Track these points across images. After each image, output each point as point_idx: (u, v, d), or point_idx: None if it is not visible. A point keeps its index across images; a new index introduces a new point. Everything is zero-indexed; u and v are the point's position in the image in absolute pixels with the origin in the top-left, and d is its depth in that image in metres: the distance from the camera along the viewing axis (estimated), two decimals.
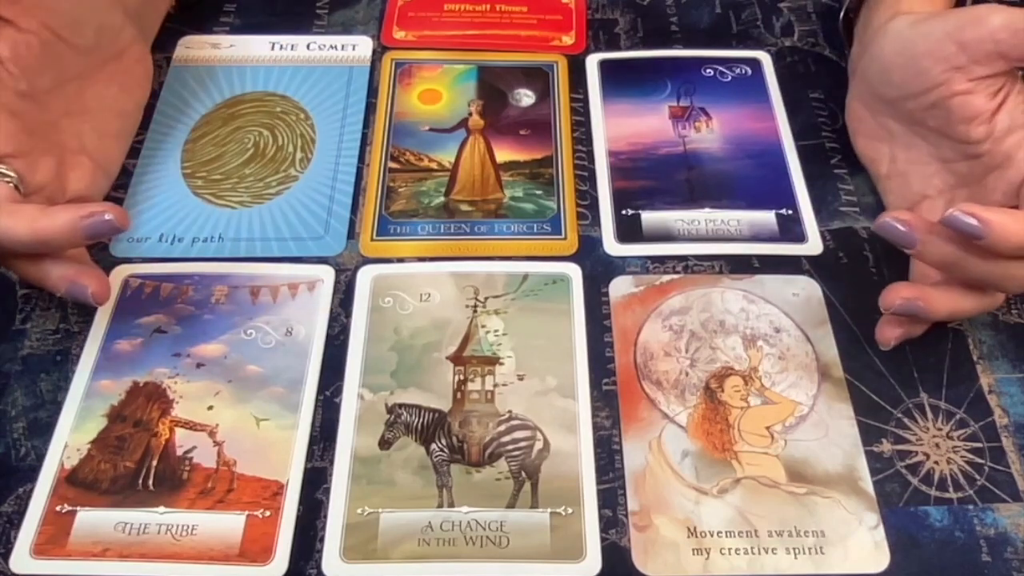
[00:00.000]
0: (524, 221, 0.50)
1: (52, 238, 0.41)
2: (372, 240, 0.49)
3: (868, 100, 0.49)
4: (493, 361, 0.45)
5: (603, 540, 0.39)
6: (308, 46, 0.59)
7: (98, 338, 0.45)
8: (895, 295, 0.42)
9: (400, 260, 0.49)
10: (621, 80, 0.57)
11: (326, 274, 0.48)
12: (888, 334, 0.44)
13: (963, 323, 0.46)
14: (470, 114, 0.55)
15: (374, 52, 0.58)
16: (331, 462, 0.42)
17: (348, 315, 0.46)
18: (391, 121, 0.55)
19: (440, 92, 0.56)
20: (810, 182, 0.51)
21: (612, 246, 0.49)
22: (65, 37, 0.46)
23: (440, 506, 0.40)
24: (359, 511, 0.40)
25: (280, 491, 0.41)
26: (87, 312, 0.46)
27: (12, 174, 0.43)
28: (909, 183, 0.48)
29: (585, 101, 0.56)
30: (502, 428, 0.43)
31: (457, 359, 0.45)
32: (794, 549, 0.39)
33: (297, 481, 0.41)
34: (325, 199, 0.51)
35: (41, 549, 0.39)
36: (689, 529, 0.40)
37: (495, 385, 0.44)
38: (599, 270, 0.48)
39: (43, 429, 0.42)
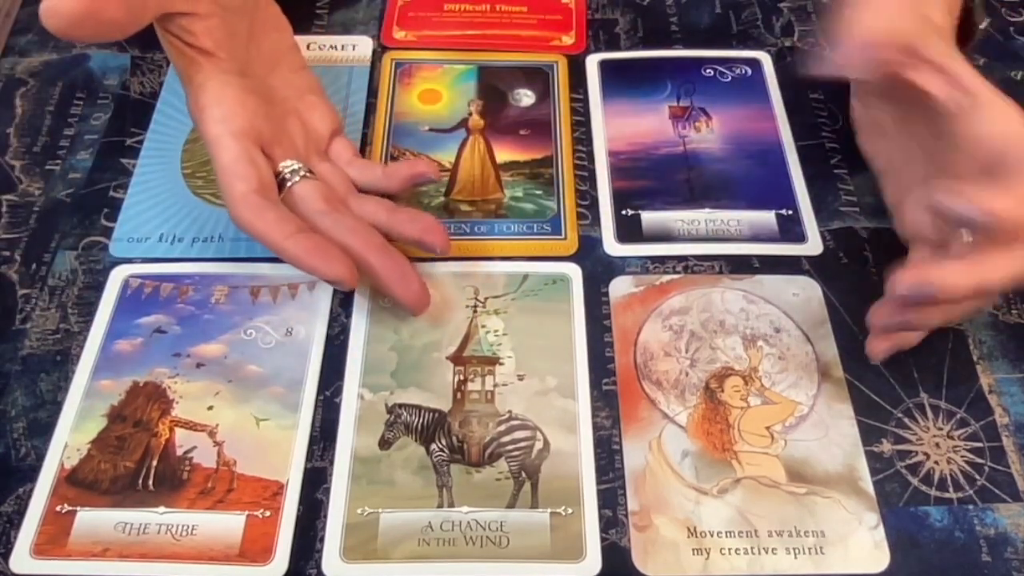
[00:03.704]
0: (524, 221, 0.50)
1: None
2: None
3: (863, 96, 0.49)
4: (493, 361, 0.45)
5: (603, 540, 0.39)
6: (308, 46, 0.58)
7: (98, 338, 0.45)
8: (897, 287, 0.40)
9: None
10: (621, 80, 0.57)
11: None
12: (877, 347, 0.44)
13: (963, 323, 0.46)
14: (470, 114, 0.55)
15: (374, 52, 0.58)
16: (331, 462, 0.42)
17: (348, 315, 0.46)
18: (391, 121, 0.55)
19: (440, 92, 0.56)
20: (810, 182, 0.51)
21: (612, 246, 0.49)
22: (225, 5, 0.45)
23: (440, 506, 0.40)
24: (359, 511, 0.40)
25: (280, 491, 0.41)
26: (87, 312, 0.46)
27: (295, 163, 0.44)
28: (901, 178, 0.48)
29: (585, 101, 0.56)
30: (502, 428, 0.43)
31: (457, 359, 0.45)
32: (794, 549, 0.39)
33: (297, 481, 0.41)
34: None
35: (41, 549, 0.39)
36: (689, 529, 0.40)
37: (495, 385, 0.44)
38: (599, 270, 0.48)
39: (43, 429, 0.42)
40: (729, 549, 0.39)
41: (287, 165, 0.44)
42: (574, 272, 0.48)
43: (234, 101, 0.43)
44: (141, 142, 0.53)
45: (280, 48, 0.49)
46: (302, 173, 0.44)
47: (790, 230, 0.50)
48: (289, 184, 0.44)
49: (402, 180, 0.48)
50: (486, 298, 0.47)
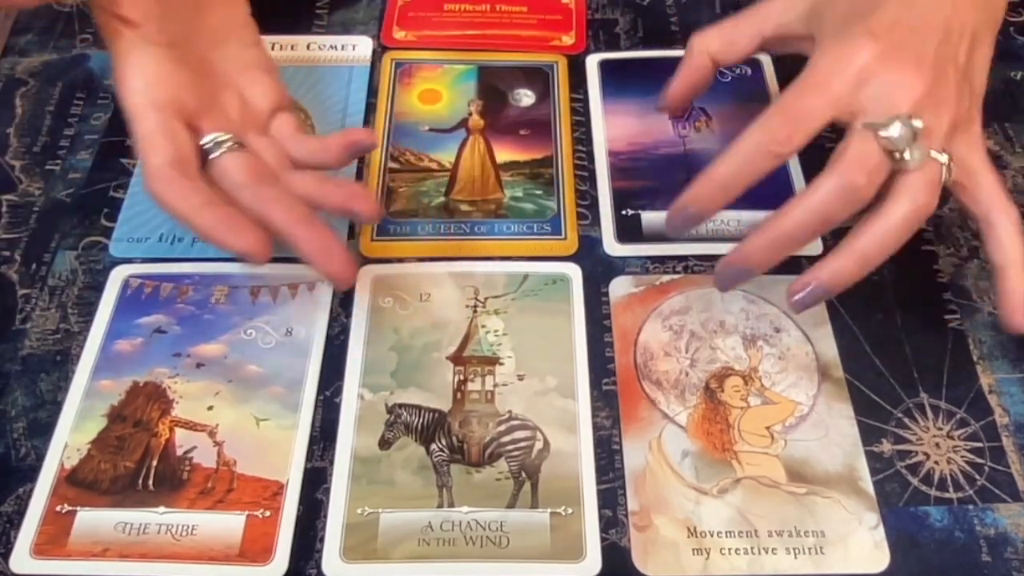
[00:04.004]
0: (524, 221, 0.50)
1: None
2: (372, 240, 0.49)
3: None
4: (493, 361, 0.45)
5: (603, 540, 0.39)
6: (308, 46, 0.59)
7: (98, 338, 0.45)
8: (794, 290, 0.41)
9: (400, 260, 0.49)
10: (621, 80, 0.57)
11: None
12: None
13: (963, 323, 0.46)
14: (470, 114, 0.55)
15: (374, 52, 0.58)
16: (331, 462, 0.42)
17: (348, 315, 0.46)
18: (391, 121, 0.55)
19: (440, 92, 0.56)
20: (810, 179, 0.51)
21: (612, 246, 0.49)
22: None
23: (440, 506, 0.40)
24: (359, 511, 0.40)
25: (280, 491, 0.41)
26: (87, 312, 0.46)
27: (221, 135, 0.43)
28: None
29: (585, 101, 0.56)
30: (502, 428, 0.43)
31: (457, 359, 0.45)
32: (794, 549, 0.39)
33: (297, 481, 0.41)
34: None
35: (41, 549, 0.39)
36: (689, 529, 0.40)
37: (495, 385, 0.44)
38: (599, 270, 0.48)
39: (43, 429, 0.42)
40: (729, 549, 0.39)
41: (212, 138, 0.43)
42: (574, 272, 0.48)
43: (157, 72, 0.43)
44: None
45: (230, 23, 0.48)
46: (227, 146, 0.43)
47: None
48: (212, 157, 0.43)
49: (338, 150, 0.46)
50: (486, 298, 0.47)
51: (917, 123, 0.39)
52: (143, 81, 0.43)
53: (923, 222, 0.40)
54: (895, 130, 0.38)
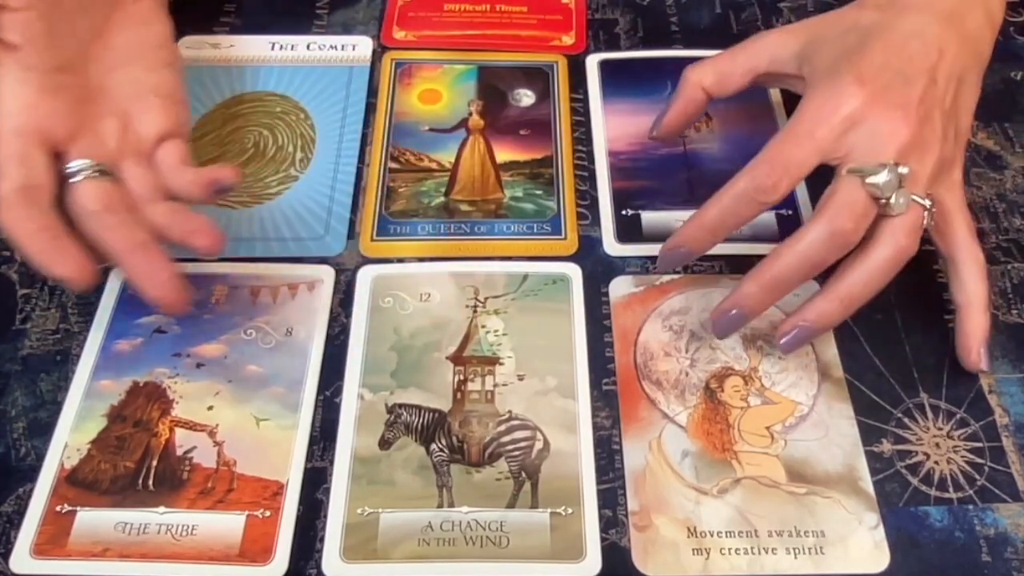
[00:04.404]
0: (524, 221, 0.50)
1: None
2: (372, 240, 0.49)
3: None
4: (493, 361, 0.45)
5: (603, 540, 0.39)
6: (308, 46, 0.59)
7: (98, 338, 0.45)
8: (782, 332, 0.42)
9: (400, 260, 0.49)
10: (621, 80, 0.57)
11: (326, 274, 0.48)
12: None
13: None
14: (470, 114, 0.55)
15: (374, 52, 0.58)
16: (331, 462, 0.42)
17: (348, 315, 0.46)
18: (391, 121, 0.55)
19: (440, 92, 0.56)
20: (810, 182, 0.51)
21: (612, 246, 0.49)
22: (57, 2, 0.44)
23: (440, 506, 0.40)
24: (359, 511, 0.40)
25: (280, 491, 0.41)
26: (87, 312, 0.46)
27: (86, 162, 0.43)
28: None
29: (585, 101, 0.56)
30: (502, 428, 0.43)
31: (457, 359, 0.45)
32: (794, 549, 0.39)
33: (297, 481, 0.41)
34: (325, 199, 0.51)
35: (41, 549, 0.39)
36: (689, 529, 0.40)
37: (495, 385, 0.44)
38: (599, 270, 0.48)
39: (43, 429, 0.42)
40: (729, 549, 0.39)
41: (74, 165, 0.43)
42: (574, 272, 0.48)
43: (26, 99, 0.43)
44: None
45: (140, 45, 0.48)
46: (86, 173, 0.43)
47: (790, 230, 0.49)
48: (71, 182, 0.43)
49: (201, 188, 0.45)
50: (486, 298, 0.47)
51: (903, 170, 0.39)
52: (12, 106, 0.43)
53: (904, 263, 0.41)
54: (882, 177, 0.39)
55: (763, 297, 0.41)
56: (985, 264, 0.43)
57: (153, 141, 0.46)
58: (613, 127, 0.54)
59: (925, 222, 0.41)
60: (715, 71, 0.48)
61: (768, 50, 0.47)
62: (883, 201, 0.39)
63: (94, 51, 0.46)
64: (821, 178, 0.52)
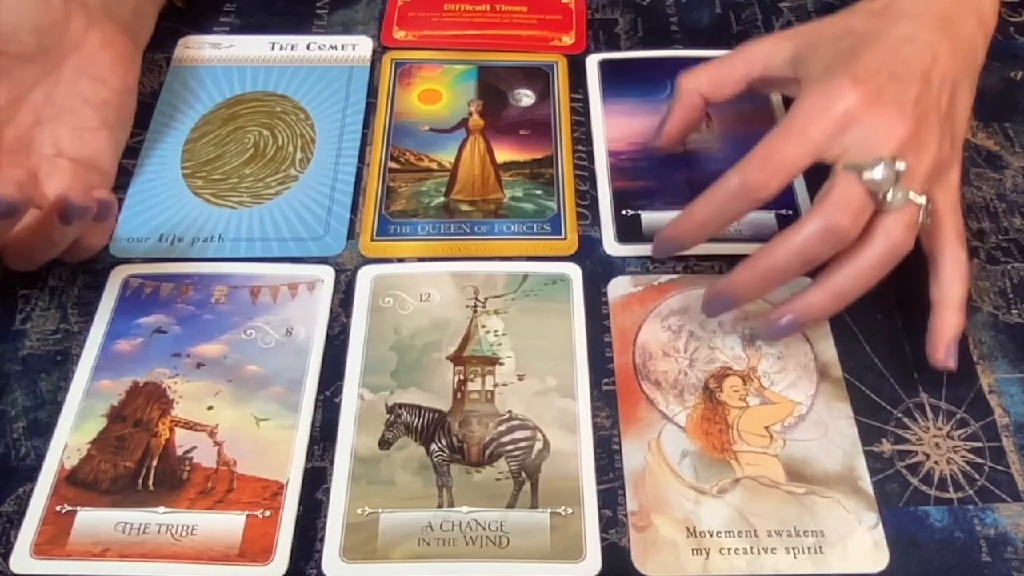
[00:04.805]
0: (524, 221, 0.50)
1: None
2: (372, 240, 0.49)
3: None
4: (493, 361, 0.45)
5: (603, 540, 0.39)
6: (308, 46, 0.59)
7: (98, 338, 0.45)
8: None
9: (400, 260, 0.49)
10: (621, 80, 0.57)
11: (326, 274, 0.48)
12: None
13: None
14: (470, 114, 0.55)
15: (374, 52, 0.58)
16: (331, 462, 0.42)
17: (348, 315, 0.46)
18: (391, 121, 0.55)
19: (440, 92, 0.56)
20: (810, 183, 0.51)
21: (612, 246, 0.49)
22: (2, 50, 0.45)
23: (440, 506, 0.40)
24: (359, 511, 0.40)
25: (280, 491, 0.41)
26: (87, 312, 0.46)
27: None
28: None
29: (585, 101, 0.56)
30: (502, 428, 0.43)
31: (457, 359, 0.45)
32: (793, 549, 0.39)
33: (297, 481, 0.41)
34: (325, 199, 0.51)
35: (41, 549, 0.39)
36: (689, 529, 0.40)
37: (495, 385, 0.44)
38: (599, 270, 0.48)
39: (43, 429, 0.42)
40: (729, 549, 0.39)
41: None
42: (574, 272, 0.48)
43: None
44: (141, 142, 0.53)
45: (79, 101, 0.47)
46: None
47: None
48: None
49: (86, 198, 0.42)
50: (486, 298, 0.47)
51: (900, 165, 0.39)
52: None
53: (898, 261, 0.40)
54: (879, 172, 0.39)
55: (755, 286, 0.42)
56: (967, 268, 0.43)
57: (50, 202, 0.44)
58: (613, 127, 0.54)
59: (921, 219, 0.41)
60: (709, 78, 0.48)
61: (762, 55, 0.47)
62: (880, 197, 0.39)
63: (32, 97, 0.46)
64: (821, 177, 0.52)
